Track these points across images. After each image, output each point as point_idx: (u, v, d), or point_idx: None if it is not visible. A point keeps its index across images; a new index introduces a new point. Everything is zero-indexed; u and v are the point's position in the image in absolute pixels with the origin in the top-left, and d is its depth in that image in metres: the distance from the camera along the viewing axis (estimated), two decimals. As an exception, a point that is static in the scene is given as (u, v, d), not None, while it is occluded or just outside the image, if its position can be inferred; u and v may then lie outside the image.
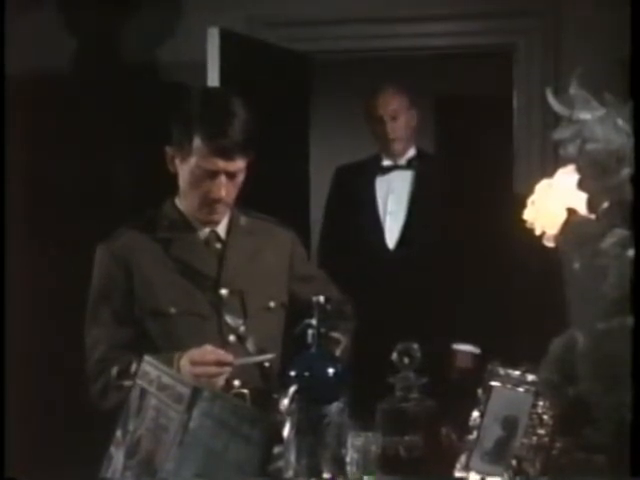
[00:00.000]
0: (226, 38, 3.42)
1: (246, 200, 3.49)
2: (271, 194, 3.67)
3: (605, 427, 1.49)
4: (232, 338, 2.20)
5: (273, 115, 3.71)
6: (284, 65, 3.83)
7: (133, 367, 2.04)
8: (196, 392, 1.64)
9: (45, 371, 3.83)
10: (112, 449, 1.78)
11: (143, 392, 1.76)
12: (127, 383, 2.02)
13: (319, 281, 2.45)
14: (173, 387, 1.68)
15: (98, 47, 4.19)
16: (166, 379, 1.72)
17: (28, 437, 3.36)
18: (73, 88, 4.03)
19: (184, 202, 2.25)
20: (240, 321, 2.22)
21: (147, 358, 1.83)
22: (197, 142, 2.12)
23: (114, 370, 2.11)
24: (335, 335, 2.33)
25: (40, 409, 3.76)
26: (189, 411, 1.62)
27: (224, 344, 2.16)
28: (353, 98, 3.60)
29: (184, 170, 2.18)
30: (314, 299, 1.78)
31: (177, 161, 2.19)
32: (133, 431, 1.73)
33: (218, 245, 2.27)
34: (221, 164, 2.13)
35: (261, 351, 2.19)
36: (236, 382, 2.09)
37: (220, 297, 2.22)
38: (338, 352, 2.30)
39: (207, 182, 2.15)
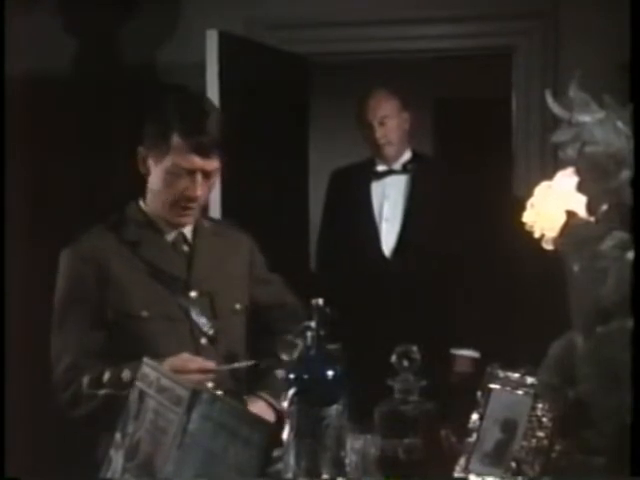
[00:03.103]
0: (225, 40, 3.42)
1: (246, 200, 3.51)
2: (271, 194, 3.69)
3: (604, 429, 1.49)
4: (204, 341, 2.21)
5: (272, 117, 3.72)
6: (283, 67, 3.83)
7: (106, 375, 2.03)
8: (195, 394, 1.64)
9: (45, 371, 3.83)
10: (111, 451, 1.77)
11: (142, 394, 1.76)
12: (100, 392, 2.02)
13: (276, 285, 2.49)
14: (172, 389, 1.68)
15: (98, 48, 4.20)
16: (165, 381, 1.71)
17: (28, 437, 3.36)
18: (73, 89, 4.03)
19: (152, 204, 2.24)
20: (210, 323, 2.22)
21: (146, 360, 1.83)
22: (175, 139, 2.12)
23: (85, 379, 2.08)
24: (290, 338, 2.37)
25: (40, 409, 3.76)
26: (188, 413, 1.62)
27: (196, 347, 2.17)
28: (352, 100, 3.60)
29: (158, 170, 2.17)
30: (313, 302, 1.78)
31: (150, 161, 2.19)
32: (132, 433, 1.72)
33: (185, 247, 2.27)
34: (198, 162, 2.13)
35: (231, 353, 2.21)
36: (209, 384, 2.09)
37: (190, 299, 2.22)
38: (295, 354, 2.34)
39: (183, 181, 2.15)
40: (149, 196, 2.25)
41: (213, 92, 3.36)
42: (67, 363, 2.13)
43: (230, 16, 3.89)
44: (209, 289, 2.25)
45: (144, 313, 2.15)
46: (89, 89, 4.00)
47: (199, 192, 2.16)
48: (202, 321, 2.21)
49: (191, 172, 2.14)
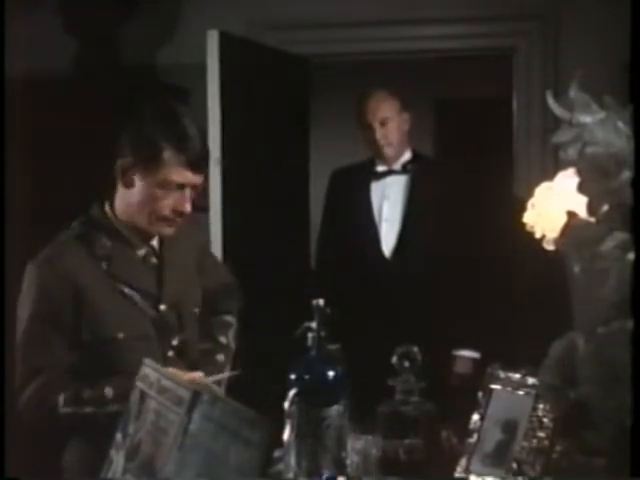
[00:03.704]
0: (225, 40, 3.42)
1: (247, 200, 3.51)
2: (271, 194, 3.69)
3: (605, 430, 1.49)
4: (170, 354, 2.19)
5: (272, 117, 3.72)
6: (283, 67, 3.83)
7: (86, 393, 2.01)
8: (196, 395, 1.64)
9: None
10: (112, 452, 1.78)
11: (143, 395, 1.76)
12: (82, 410, 2.00)
13: (220, 269, 2.52)
14: (173, 390, 1.68)
15: (98, 49, 4.20)
16: (166, 382, 1.72)
17: (28, 437, 3.35)
18: (73, 89, 4.03)
19: (126, 215, 2.16)
20: (177, 335, 2.21)
21: (147, 361, 1.83)
22: (167, 154, 2.07)
23: (60, 398, 2.02)
24: (227, 318, 2.41)
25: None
26: (189, 414, 1.62)
27: (164, 360, 2.11)
28: (352, 100, 3.60)
29: (144, 184, 2.11)
30: (314, 303, 1.78)
31: (137, 175, 2.11)
32: (133, 434, 1.72)
33: (154, 260, 2.22)
34: (190, 177, 2.11)
35: (193, 361, 2.21)
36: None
37: (160, 313, 2.19)
38: (231, 335, 2.39)
39: (172, 195, 2.11)
40: (123, 207, 2.17)
41: (213, 92, 3.36)
42: (40, 382, 2.05)
43: (230, 16, 3.89)
44: (176, 300, 2.22)
45: (120, 335, 2.09)
46: (89, 89, 4.00)
47: (188, 207, 2.14)
48: (169, 334, 2.20)
49: (181, 186, 2.11)
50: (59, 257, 2.13)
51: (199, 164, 2.12)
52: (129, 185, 2.13)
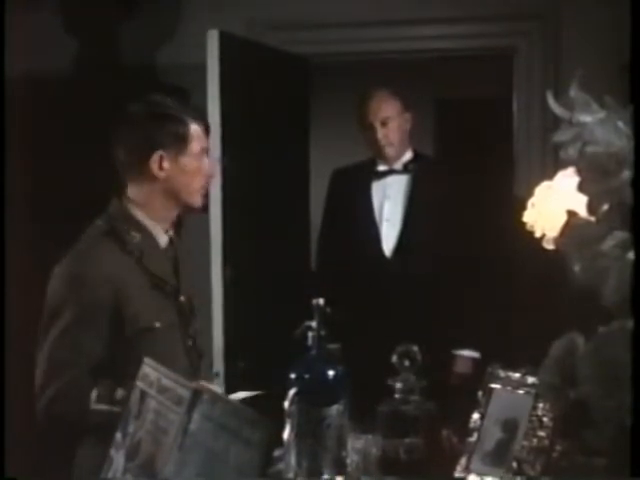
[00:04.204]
0: (225, 40, 3.42)
1: (247, 200, 3.51)
2: (272, 194, 3.69)
3: (605, 430, 1.49)
4: (190, 343, 2.25)
5: (272, 117, 3.72)
6: (283, 67, 3.83)
7: (119, 393, 2.02)
8: (196, 394, 1.63)
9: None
10: (112, 452, 1.77)
11: (143, 394, 1.75)
12: (112, 408, 2.00)
13: None
14: (173, 389, 1.68)
15: (98, 49, 4.20)
16: (166, 381, 1.71)
17: (28, 437, 3.35)
18: (73, 89, 4.03)
19: (150, 207, 2.22)
20: (192, 325, 2.27)
21: (147, 360, 1.83)
22: (193, 127, 2.21)
23: (93, 393, 2.04)
24: None
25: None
26: (189, 413, 1.62)
27: (185, 349, 2.22)
28: (353, 100, 3.60)
29: (178, 166, 2.19)
30: (314, 302, 1.78)
31: (166, 162, 2.18)
32: (133, 433, 1.72)
33: (171, 250, 2.28)
34: (205, 140, 2.26)
35: (201, 349, 2.30)
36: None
37: (180, 303, 2.24)
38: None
39: (200, 164, 2.24)
40: (143, 198, 2.22)
41: (213, 92, 3.36)
42: (71, 376, 2.07)
43: (230, 16, 3.89)
44: (190, 290, 2.29)
45: (157, 324, 2.14)
46: (89, 89, 4.00)
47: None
48: (188, 323, 2.27)
49: (202, 152, 2.24)
50: (93, 256, 2.15)
51: (207, 126, 2.29)
52: (159, 173, 2.18)
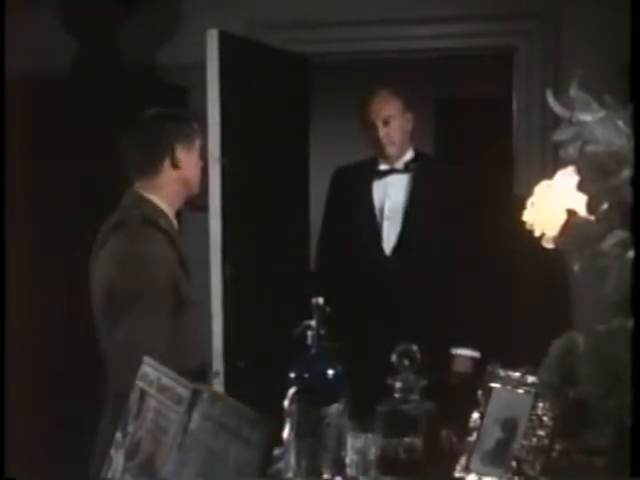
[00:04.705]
0: (225, 40, 3.41)
1: (247, 200, 3.51)
2: (272, 194, 3.69)
3: (605, 429, 1.49)
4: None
5: (272, 117, 3.71)
6: (283, 67, 3.83)
7: None
8: (196, 394, 1.63)
9: (45, 371, 3.83)
10: (112, 451, 1.77)
11: (143, 394, 1.75)
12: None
13: None
14: (173, 389, 1.68)
15: (98, 49, 4.20)
16: (166, 380, 1.71)
17: (28, 437, 3.36)
18: (73, 89, 4.04)
19: (164, 197, 2.43)
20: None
21: (146, 359, 1.83)
22: (196, 127, 2.53)
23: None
24: None
25: (40, 409, 3.76)
26: (189, 413, 1.62)
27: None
28: (353, 99, 3.60)
29: (189, 156, 2.47)
30: (313, 301, 1.78)
31: (181, 153, 2.45)
32: (133, 433, 1.72)
33: (177, 234, 2.47)
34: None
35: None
36: None
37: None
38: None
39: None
40: (158, 190, 2.43)
41: (213, 92, 3.35)
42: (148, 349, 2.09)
43: (230, 16, 3.88)
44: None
45: (195, 298, 2.40)
46: (89, 89, 4.00)
47: None
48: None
49: (201, 148, 2.56)
50: (149, 240, 2.34)
51: (205, 125, 2.75)
52: (175, 166, 2.44)
